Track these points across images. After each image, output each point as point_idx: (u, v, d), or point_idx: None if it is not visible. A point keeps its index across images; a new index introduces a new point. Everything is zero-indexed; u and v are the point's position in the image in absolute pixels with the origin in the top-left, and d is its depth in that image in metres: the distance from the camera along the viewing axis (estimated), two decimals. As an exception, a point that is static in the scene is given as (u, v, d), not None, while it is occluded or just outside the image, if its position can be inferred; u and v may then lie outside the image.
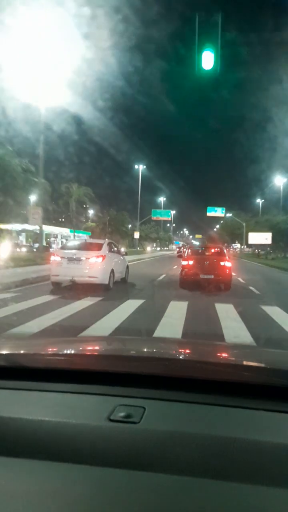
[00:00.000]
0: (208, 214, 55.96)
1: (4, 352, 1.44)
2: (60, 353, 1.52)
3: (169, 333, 5.19)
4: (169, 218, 61.68)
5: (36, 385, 1.20)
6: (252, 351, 2.09)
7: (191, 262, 11.01)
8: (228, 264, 10.82)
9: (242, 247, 76.73)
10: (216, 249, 12.74)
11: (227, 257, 11.36)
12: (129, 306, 7.37)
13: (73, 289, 9.31)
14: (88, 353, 1.57)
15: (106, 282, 9.63)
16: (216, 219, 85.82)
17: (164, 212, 59.42)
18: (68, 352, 1.56)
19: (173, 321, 5.99)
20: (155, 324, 5.68)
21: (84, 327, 5.30)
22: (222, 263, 10.83)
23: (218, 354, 1.71)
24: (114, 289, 9.83)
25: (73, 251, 10.00)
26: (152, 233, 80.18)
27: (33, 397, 1.16)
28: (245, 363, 1.45)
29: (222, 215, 57.45)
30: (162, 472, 0.83)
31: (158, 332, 5.21)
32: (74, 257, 9.63)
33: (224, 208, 57.02)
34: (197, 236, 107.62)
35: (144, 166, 56.72)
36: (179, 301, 8.07)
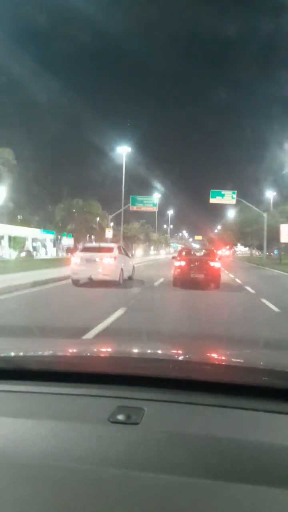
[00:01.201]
0: (212, 201, 36.34)
1: (3, 354, 1.45)
2: (60, 355, 1.55)
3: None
4: (155, 208, 40.82)
5: (36, 387, 1.23)
6: (252, 352, 2.12)
7: (183, 263, 12.10)
8: (217, 264, 12.22)
9: (252, 250, 64.04)
10: (206, 251, 14.58)
11: (217, 258, 12.77)
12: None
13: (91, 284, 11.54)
14: (88, 355, 1.61)
15: (117, 279, 11.88)
16: (219, 215, 73.42)
17: (148, 200, 38.59)
18: (68, 354, 1.59)
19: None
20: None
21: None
22: (211, 264, 12.11)
23: (218, 356, 1.73)
24: (123, 285, 12.11)
25: (90, 253, 12.26)
26: (142, 233, 62.80)
27: (33, 398, 1.19)
28: (244, 364, 1.47)
29: (232, 202, 37.36)
30: (162, 473, 0.83)
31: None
32: (91, 258, 11.88)
33: (235, 192, 36.43)
34: (196, 237, 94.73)
35: (129, 149, 37.31)
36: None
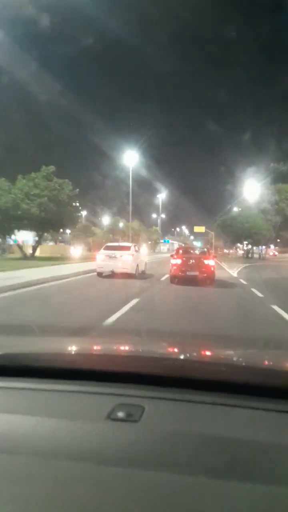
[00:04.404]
0: None
1: (3, 351, 1.48)
2: (60, 352, 1.59)
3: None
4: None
5: (36, 384, 1.25)
6: (251, 351, 2.12)
7: (179, 261, 13.07)
8: (211, 262, 13.22)
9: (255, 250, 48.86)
10: (202, 249, 16.17)
11: (211, 257, 13.79)
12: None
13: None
14: (88, 352, 1.64)
15: (134, 272, 14.91)
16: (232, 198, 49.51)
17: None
18: (68, 351, 1.63)
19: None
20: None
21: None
22: (206, 262, 13.03)
23: (218, 355, 1.75)
24: (139, 277, 15.09)
25: (112, 251, 15.25)
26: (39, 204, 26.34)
27: (33, 395, 1.21)
28: (244, 363, 1.50)
29: None
30: (162, 472, 0.83)
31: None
32: (113, 255, 14.80)
33: None
34: (197, 229, 63.25)
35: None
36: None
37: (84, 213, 51.22)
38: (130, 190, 36.21)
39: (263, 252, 51.90)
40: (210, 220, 59.26)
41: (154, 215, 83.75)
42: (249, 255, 50.55)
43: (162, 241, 77.64)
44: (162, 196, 77.43)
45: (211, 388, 1.18)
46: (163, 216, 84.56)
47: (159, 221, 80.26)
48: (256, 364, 1.51)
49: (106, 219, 59.84)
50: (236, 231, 44.96)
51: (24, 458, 0.89)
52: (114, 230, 54.46)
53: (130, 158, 37.74)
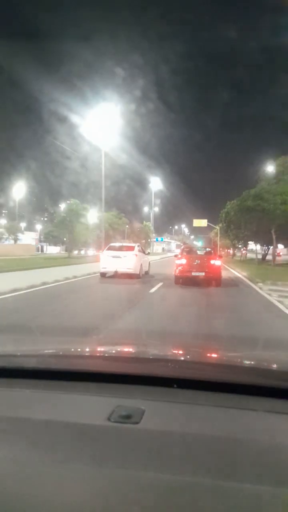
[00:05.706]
0: None
1: (4, 352, 1.49)
2: (61, 354, 1.59)
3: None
4: None
5: (36, 385, 1.25)
6: (251, 352, 2.11)
7: (184, 261, 12.79)
8: (218, 262, 12.87)
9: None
10: (205, 249, 15.93)
11: (217, 257, 13.43)
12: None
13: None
14: (88, 354, 1.66)
15: (138, 272, 14.62)
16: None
17: None
18: (68, 353, 1.63)
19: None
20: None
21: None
22: (212, 262, 12.75)
23: (218, 355, 1.76)
24: (142, 277, 14.80)
25: (115, 251, 14.96)
26: None
27: (33, 397, 1.20)
28: (244, 364, 1.50)
29: None
30: (162, 473, 0.83)
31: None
32: (117, 255, 14.51)
33: None
34: (196, 223, 52.53)
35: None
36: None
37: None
38: (103, 170, 27.64)
39: None
40: (213, 217, 46.75)
41: (146, 209, 71.69)
42: (265, 257, 34.95)
43: (155, 239, 67.92)
44: (155, 186, 65.44)
45: (211, 389, 1.18)
46: (156, 210, 71.76)
47: (151, 215, 65.96)
48: (256, 364, 1.50)
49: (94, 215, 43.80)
50: (268, 216, 24.58)
51: (23, 460, 0.89)
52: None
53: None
